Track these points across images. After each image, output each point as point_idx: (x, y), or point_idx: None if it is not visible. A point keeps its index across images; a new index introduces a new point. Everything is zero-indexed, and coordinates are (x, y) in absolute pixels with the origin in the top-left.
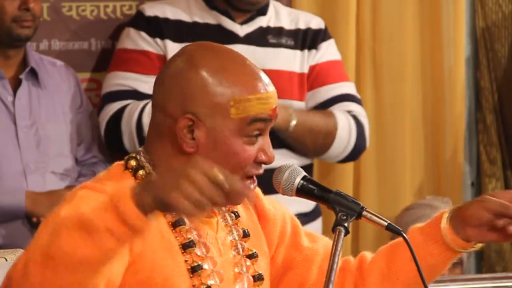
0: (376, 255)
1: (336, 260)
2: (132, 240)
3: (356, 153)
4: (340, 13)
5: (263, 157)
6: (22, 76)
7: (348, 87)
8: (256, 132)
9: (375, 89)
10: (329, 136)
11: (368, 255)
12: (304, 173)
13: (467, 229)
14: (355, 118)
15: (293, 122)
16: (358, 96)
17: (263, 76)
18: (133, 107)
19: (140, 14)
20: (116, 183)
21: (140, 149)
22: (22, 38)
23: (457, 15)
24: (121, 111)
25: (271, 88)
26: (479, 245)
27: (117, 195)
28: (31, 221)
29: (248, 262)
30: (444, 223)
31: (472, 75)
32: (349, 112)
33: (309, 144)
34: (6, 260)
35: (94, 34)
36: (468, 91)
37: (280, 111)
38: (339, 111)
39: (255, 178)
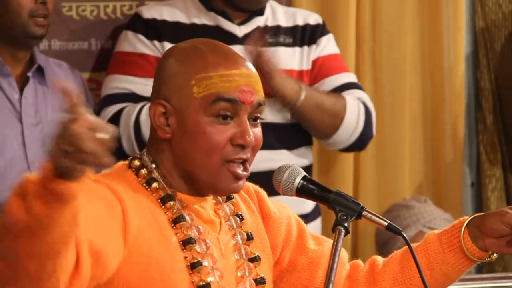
0: (389, 259)
1: (336, 260)
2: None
3: (363, 140)
4: (340, 12)
5: (238, 140)
6: (29, 74)
7: (351, 76)
8: (223, 113)
9: (374, 89)
10: (337, 117)
11: (379, 259)
12: (304, 173)
13: (486, 240)
14: (364, 104)
15: (303, 95)
16: (360, 84)
17: (237, 58)
18: (130, 109)
19: (137, 16)
20: (120, 183)
21: (144, 150)
22: (37, 36)
23: (457, 15)
24: (118, 114)
25: (245, 69)
26: (495, 256)
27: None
28: None
29: (251, 266)
30: (463, 232)
31: (472, 75)
32: (358, 98)
33: (317, 121)
34: None
35: (94, 34)
36: (468, 91)
37: (290, 83)
38: (349, 96)
39: (247, 166)
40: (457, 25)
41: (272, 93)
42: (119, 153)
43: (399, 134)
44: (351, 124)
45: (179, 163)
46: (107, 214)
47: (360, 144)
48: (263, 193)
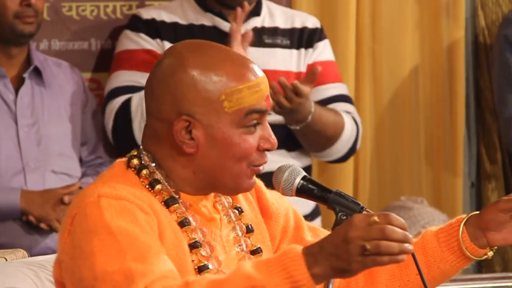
0: None
1: None
2: None
3: (349, 154)
4: (340, 13)
5: (265, 145)
6: (25, 75)
7: (344, 88)
8: (254, 122)
9: (374, 89)
10: (336, 134)
11: None
12: (304, 173)
13: (488, 236)
14: (354, 120)
15: (312, 112)
16: (351, 97)
17: (251, 63)
18: (142, 93)
19: (137, 17)
20: (124, 184)
21: (140, 148)
22: (25, 34)
23: (457, 15)
24: (129, 99)
25: (260, 74)
26: (491, 253)
27: None
28: (27, 220)
29: (252, 258)
30: (461, 231)
31: (472, 75)
32: (348, 112)
33: (321, 137)
34: (6, 260)
35: (94, 34)
36: (468, 91)
37: (304, 102)
38: (342, 112)
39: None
40: (457, 25)
41: (286, 108)
42: (127, 142)
43: (399, 134)
44: (345, 140)
45: (201, 172)
46: (153, 236)
47: (345, 157)
48: (260, 183)
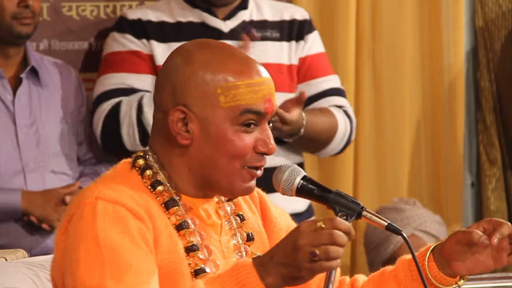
0: (368, 281)
1: None
2: None
3: (345, 147)
4: (340, 12)
5: (262, 148)
6: (22, 75)
7: (335, 81)
8: (251, 122)
9: (374, 89)
10: (330, 136)
11: (360, 279)
12: (304, 173)
13: (453, 265)
14: (346, 113)
15: (304, 125)
16: (343, 88)
17: (255, 64)
18: (132, 97)
19: (122, 18)
20: (125, 185)
21: (147, 148)
22: (22, 35)
23: (457, 15)
24: (118, 104)
25: (264, 75)
26: (462, 282)
27: None
28: (29, 220)
29: None
30: (427, 260)
31: (472, 75)
32: (340, 107)
33: (315, 143)
34: (6, 260)
35: (94, 34)
36: (468, 91)
37: (298, 121)
38: (335, 109)
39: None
40: (457, 25)
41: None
42: (117, 147)
43: (399, 134)
44: (340, 138)
45: (196, 167)
46: (141, 248)
47: (341, 151)
48: (266, 196)
